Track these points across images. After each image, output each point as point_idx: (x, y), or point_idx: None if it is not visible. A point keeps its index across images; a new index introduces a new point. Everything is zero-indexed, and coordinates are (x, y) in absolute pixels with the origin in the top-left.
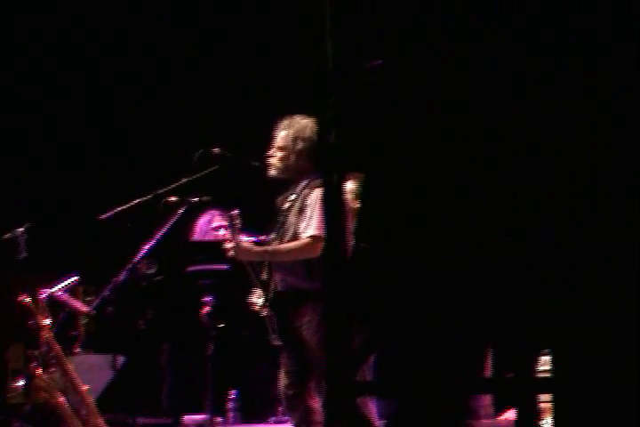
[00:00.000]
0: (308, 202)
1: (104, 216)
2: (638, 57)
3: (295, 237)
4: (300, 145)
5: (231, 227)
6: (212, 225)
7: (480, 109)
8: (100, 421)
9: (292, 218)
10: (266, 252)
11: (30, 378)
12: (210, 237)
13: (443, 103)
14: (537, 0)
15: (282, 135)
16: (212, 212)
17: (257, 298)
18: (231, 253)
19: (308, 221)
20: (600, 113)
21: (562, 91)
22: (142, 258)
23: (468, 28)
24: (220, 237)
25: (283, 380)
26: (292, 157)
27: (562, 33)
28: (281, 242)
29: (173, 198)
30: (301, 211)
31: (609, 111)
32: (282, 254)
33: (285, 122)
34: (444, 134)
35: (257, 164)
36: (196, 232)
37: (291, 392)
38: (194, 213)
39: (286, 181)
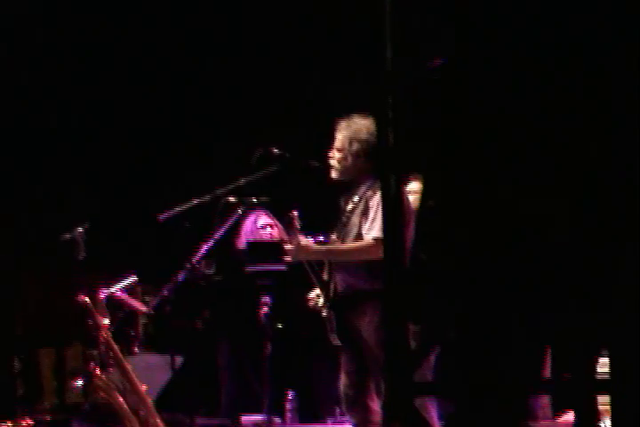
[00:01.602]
0: (372, 204)
1: (163, 217)
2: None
3: (358, 238)
4: (355, 146)
5: (290, 228)
6: (258, 224)
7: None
8: (159, 421)
9: (354, 219)
10: (327, 251)
11: (89, 378)
12: (257, 236)
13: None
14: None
15: (339, 137)
16: (258, 211)
17: (316, 296)
18: (290, 253)
19: (371, 223)
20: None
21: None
22: (201, 258)
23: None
24: (268, 237)
25: (342, 380)
26: (349, 159)
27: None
28: (343, 242)
29: (232, 199)
30: (365, 212)
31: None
32: (343, 254)
33: (343, 123)
34: (507, 136)
35: (316, 164)
36: (252, 232)
37: (350, 393)
38: (251, 213)
39: (347, 183)
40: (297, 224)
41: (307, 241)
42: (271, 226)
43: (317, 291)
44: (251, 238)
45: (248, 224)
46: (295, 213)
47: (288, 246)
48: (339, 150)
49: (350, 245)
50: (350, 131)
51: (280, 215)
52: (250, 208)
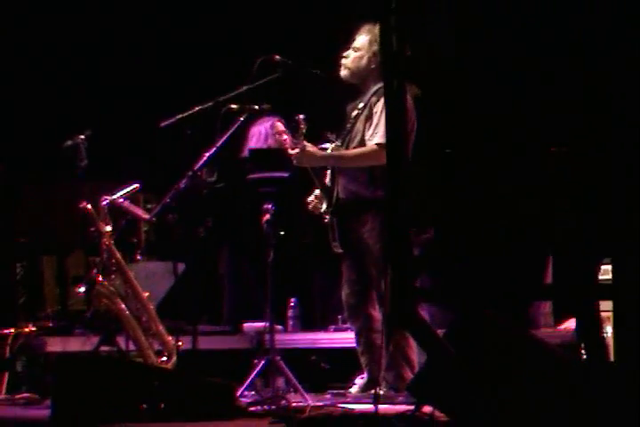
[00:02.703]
0: (375, 109)
1: (165, 123)
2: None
3: (362, 144)
4: (375, 47)
5: (296, 132)
6: (274, 130)
7: None
8: (160, 327)
9: (359, 125)
10: (331, 157)
11: (91, 285)
12: (271, 142)
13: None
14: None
15: (359, 38)
16: (272, 118)
17: (315, 198)
18: (296, 158)
19: (374, 129)
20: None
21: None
22: (203, 166)
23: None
24: (283, 143)
25: (344, 288)
26: (366, 59)
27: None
28: (347, 149)
29: (234, 106)
30: (368, 118)
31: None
32: (347, 160)
33: (366, 26)
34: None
35: (318, 71)
36: (253, 140)
37: (352, 301)
38: (254, 120)
39: (349, 89)
40: (303, 128)
41: (311, 146)
42: (286, 133)
43: (316, 193)
44: (264, 145)
45: (262, 130)
46: (302, 117)
47: (293, 151)
48: (356, 50)
49: (354, 150)
50: (373, 34)
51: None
52: (252, 115)
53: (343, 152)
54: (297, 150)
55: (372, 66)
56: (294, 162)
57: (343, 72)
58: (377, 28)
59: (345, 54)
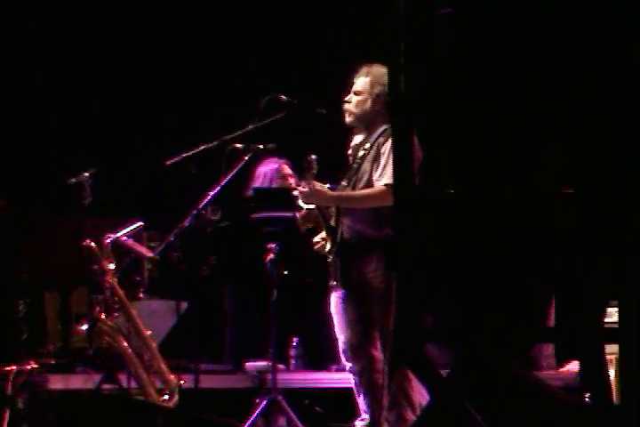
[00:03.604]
0: (383, 150)
1: (170, 162)
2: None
3: (369, 184)
4: (377, 89)
5: (307, 172)
6: (279, 174)
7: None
8: (163, 365)
9: (366, 165)
10: (339, 197)
11: (94, 322)
12: (276, 184)
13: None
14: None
15: (360, 81)
16: (278, 160)
17: (321, 239)
18: (304, 197)
19: (382, 170)
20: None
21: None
22: (207, 204)
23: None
24: (288, 185)
25: (346, 329)
26: (369, 102)
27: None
28: (354, 189)
29: (239, 145)
30: (376, 159)
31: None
32: (355, 200)
33: (364, 69)
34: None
35: (323, 111)
36: (258, 180)
37: (354, 341)
38: (259, 159)
39: (357, 130)
40: (314, 169)
41: (321, 186)
42: (292, 176)
43: (322, 234)
44: (269, 186)
45: (268, 172)
46: (313, 158)
47: (302, 189)
48: (358, 93)
49: (362, 191)
50: (372, 75)
51: (288, 164)
52: (259, 154)
53: (351, 193)
54: (305, 189)
55: (377, 107)
56: (302, 201)
57: (348, 118)
58: (376, 69)
59: (347, 99)
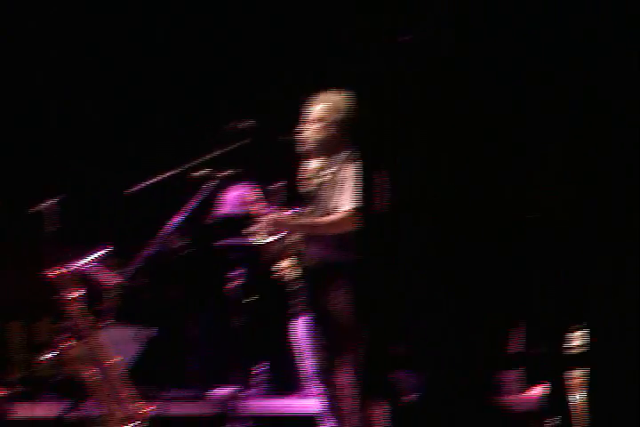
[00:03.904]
0: (345, 176)
1: (134, 189)
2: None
3: (332, 210)
4: (334, 117)
5: (273, 200)
6: (245, 199)
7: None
8: (129, 393)
9: (328, 192)
10: (305, 225)
11: (60, 350)
12: (242, 210)
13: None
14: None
15: (317, 108)
16: (246, 186)
17: (285, 267)
18: (270, 225)
19: (345, 195)
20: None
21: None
22: (172, 231)
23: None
24: (254, 212)
25: (312, 354)
26: (327, 130)
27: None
28: (317, 215)
29: (203, 172)
30: (338, 185)
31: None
32: (321, 227)
33: (319, 96)
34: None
35: (287, 138)
36: (226, 205)
37: (321, 367)
38: (223, 186)
39: (317, 156)
40: (280, 196)
41: (286, 214)
42: (259, 203)
43: (288, 262)
44: (235, 212)
45: (234, 198)
46: (278, 186)
47: (268, 218)
48: (317, 121)
49: (326, 218)
50: (329, 102)
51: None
52: (223, 181)
53: (315, 220)
54: (272, 217)
55: (337, 134)
56: (268, 229)
57: (307, 146)
58: (332, 96)
59: (304, 127)
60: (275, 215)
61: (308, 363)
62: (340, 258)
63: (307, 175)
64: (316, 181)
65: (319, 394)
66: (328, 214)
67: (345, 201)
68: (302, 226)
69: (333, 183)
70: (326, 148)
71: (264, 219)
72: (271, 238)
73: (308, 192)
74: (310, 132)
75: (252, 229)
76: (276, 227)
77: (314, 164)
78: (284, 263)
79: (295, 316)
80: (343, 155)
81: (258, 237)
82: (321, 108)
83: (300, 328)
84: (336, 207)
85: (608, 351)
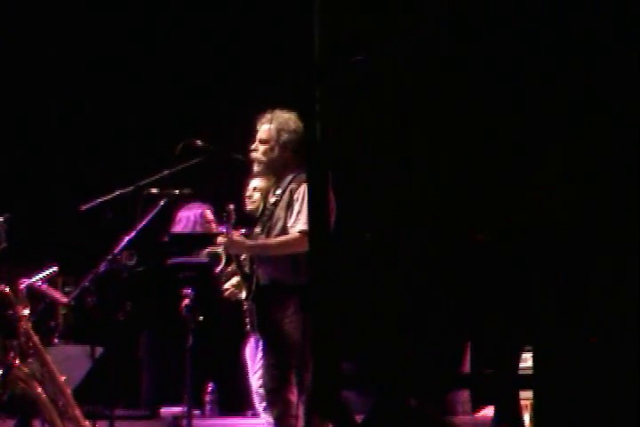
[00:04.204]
0: (296, 196)
1: (85, 207)
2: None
3: (283, 231)
4: (284, 137)
5: (226, 221)
6: (203, 219)
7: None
8: (78, 411)
9: (279, 212)
10: (257, 245)
11: (8, 368)
12: (199, 230)
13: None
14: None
15: (265, 128)
16: (201, 205)
17: (231, 286)
18: (223, 246)
19: (296, 216)
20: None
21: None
22: (122, 249)
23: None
24: (212, 231)
25: (262, 374)
26: (277, 150)
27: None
28: (268, 236)
29: (154, 190)
30: (289, 205)
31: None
32: (272, 248)
33: (267, 116)
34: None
35: (239, 157)
36: (181, 224)
37: (270, 386)
38: (174, 205)
39: (267, 175)
40: (232, 218)
41: (238, 235)
42: (214, 222)
43: (234, 280)
44: (192, 231)
45: (191, 217)
46: (232, 207)
47: (221, 240)
48: (264, 142)
49: (278, 239)
50: (278, 122)
51: (212, 209)
52: (174, 200)
53: (267, 241)
54: (224, 239)
55: (285, 155)
56: (220, 248)
57: (257, 167)
58: (279, 115)
59: (253, 147)
60: (227, 235)
61: (257, 382)
62: (292, 279)
63: (254, 195)
64: (264, 201)
65: (268, 413)
66: (278, 235)
67: (296, 222)
68: (254, 246)
69: (285, 203)
70: (276, 168)
71: (217, 238)
72: (223, 258)
73: (256, 212)
74: (259, 152)
75: (204, 248)
76: (228, 246)
77: (262, 183)
78: (235, 282)
79: (245, 335)
80: (293, 175)
81: (209, 256)
82: (268, 129)
83: (249, 347)
84: (286, 228)
85: (608, 351)
